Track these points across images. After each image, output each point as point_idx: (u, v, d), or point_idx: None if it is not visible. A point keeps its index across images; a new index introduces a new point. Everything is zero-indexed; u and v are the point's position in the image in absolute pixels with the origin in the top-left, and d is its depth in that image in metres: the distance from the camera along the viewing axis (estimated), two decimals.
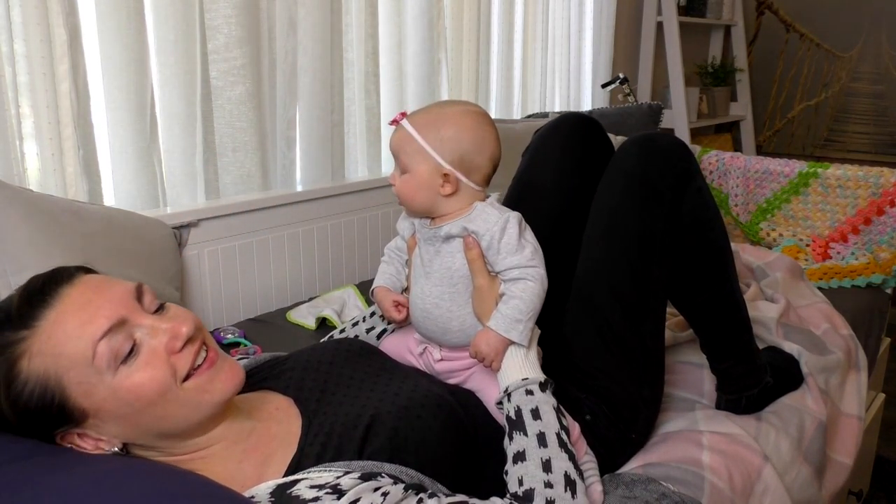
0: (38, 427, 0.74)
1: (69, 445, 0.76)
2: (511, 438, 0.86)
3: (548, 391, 0.89)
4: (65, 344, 0.72)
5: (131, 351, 0.73)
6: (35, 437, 0.74)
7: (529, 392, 0.88)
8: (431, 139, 0.93)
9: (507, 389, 0.89)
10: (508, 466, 0.85)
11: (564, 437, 0.86)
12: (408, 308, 1.03)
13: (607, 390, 1.06)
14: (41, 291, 0.74)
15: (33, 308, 0.73)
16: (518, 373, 0.90)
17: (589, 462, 0.96)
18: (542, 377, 0.90)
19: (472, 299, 0.95)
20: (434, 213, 0.96)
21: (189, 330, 0.76)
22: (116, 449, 0.76)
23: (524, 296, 0.90)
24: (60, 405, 0.72)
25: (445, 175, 0.93)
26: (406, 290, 1.05)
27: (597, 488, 0.93)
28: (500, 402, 0.90)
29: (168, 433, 0.77)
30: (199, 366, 0.77)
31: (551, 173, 1.23)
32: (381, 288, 1.07)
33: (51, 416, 0.73)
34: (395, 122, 0.96)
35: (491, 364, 0.91)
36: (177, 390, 0.75)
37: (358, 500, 0.71)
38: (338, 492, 0.72)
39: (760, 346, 1.27)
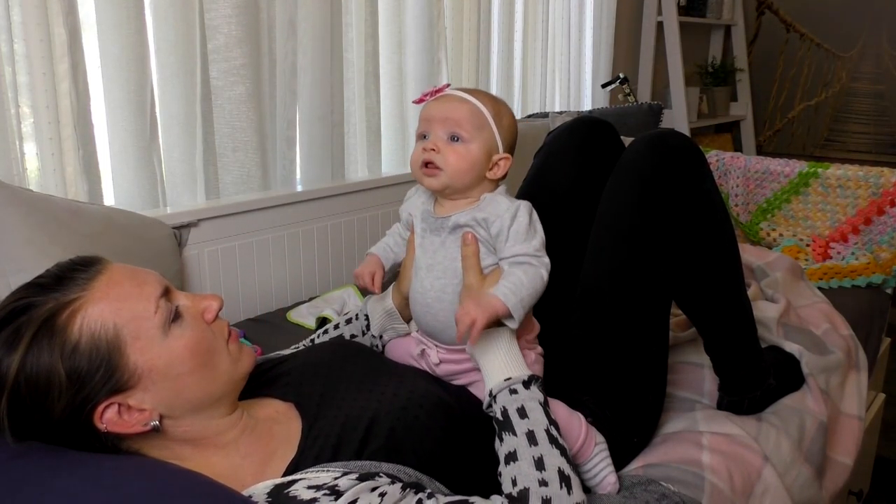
0: (87, 390, 0.72)
1: (103, 428, 0.73)
2: (501, 440, 0.85)
3: (532, 387, 0.87)
4: (125, 299, 0.75)
5: (178, 316, 0.78)
6: (76, 413, 0.72)
7: (513, 391, 0.86)
8: (495, 121, 0.94)
9: (491, 392, 0.87)
10: (501, 468, 0.83)
11: (554, 432, 0.84)
12: (382, 280, 1.02)
13: (611, 393, 1.06)
14: (85, 263, 0.77)
15: (83, 273, 0.76)
16: (500, 373, 0.88)
17: (602, 452, 0.96)
18: (525, 374, 0.88)
19: (460, 298, 0.91)
20: (460, 196, 0.94)
21: (219, 304, 0.83)
22: (155, 422, 0.75)
23: (525, 277, 0.87)
24: (115, 362, 0.72)
25: (501, 159, 0.94)
26: (398, 265, 1.04)
27: (611, 480, 0.94)
28: (488, 406, 0.88)
29: (203, 402, 0.79)
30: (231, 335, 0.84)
31: (565, 175, 1.23)
32: (373, 255, 1.04)
33: (104, 373, 0.72)
34: (439, 90, 0.95)
35: (473, 324, 0.81)
36: (224, 350, 0.81)
37: (356, 500, 0.71)
38: (335, 492, 0.72)
39: (762, 345, 1.27)
